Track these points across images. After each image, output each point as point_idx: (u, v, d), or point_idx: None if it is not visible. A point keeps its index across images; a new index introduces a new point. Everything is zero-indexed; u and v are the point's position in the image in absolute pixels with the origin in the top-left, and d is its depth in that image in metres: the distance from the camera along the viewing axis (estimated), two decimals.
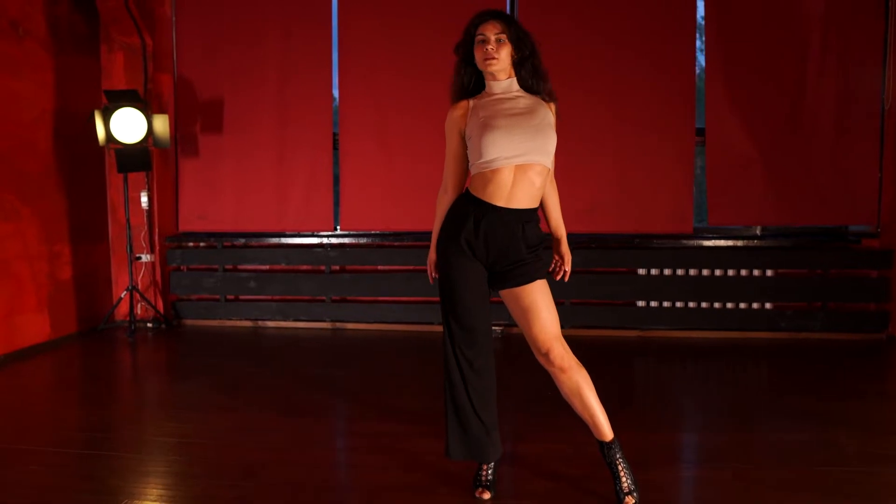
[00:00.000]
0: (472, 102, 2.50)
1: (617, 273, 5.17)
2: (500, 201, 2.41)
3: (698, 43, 5.08)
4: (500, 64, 2.42)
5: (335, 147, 5.43)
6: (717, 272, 5.05)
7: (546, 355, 2.41)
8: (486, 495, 2.51)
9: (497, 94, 2.46)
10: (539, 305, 2.41)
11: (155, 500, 2.49)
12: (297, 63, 5.39)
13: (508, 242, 2.42)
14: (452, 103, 2.55)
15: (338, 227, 5.48)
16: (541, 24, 5.05)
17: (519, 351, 4.49)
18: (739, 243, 5.03)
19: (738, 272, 5.03)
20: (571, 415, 2.49)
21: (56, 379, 4.29)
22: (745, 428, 3.18)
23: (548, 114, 2.46)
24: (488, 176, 2.41)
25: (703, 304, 5.08)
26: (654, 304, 5.12)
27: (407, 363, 4.52)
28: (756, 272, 5.02)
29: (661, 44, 5.01)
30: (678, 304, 5.10)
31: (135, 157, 5.02)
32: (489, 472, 2.56)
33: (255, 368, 4.30)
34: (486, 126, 2.41)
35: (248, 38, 5.44)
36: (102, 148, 5.31)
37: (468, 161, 2.51)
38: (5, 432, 3.17)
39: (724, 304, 5.06)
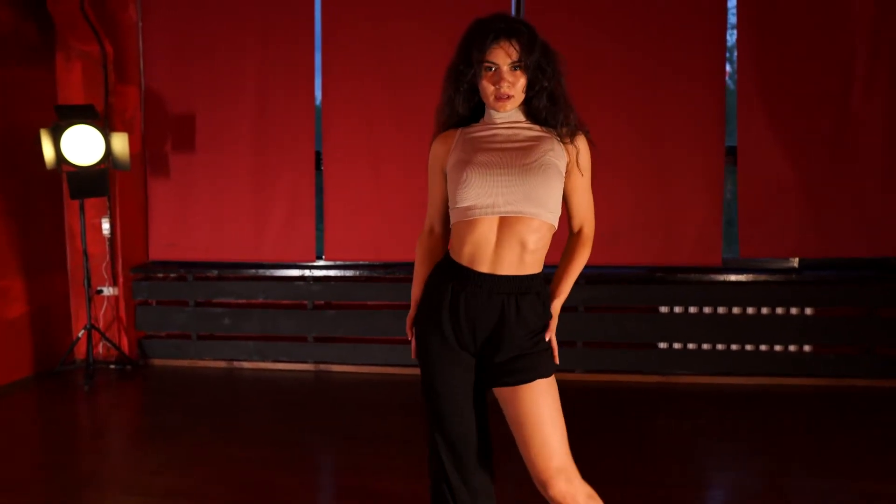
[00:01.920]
0: (459, 132, 1.92)
1: (635, 311, 4.57)
2: (483, 266, 1.82)
3: (729, 46, 4.49)
4: (515, 101, 1.83)
5: (318, 166, 4.86)
6: (750, 310, 4.45)
7: (544, 487, 1.80)
8: None
9: (496, 122, 1.88)
10: (541, 416, 1.80)
11: None
12: (277, 73, 4.80)
13: (497, 323, 1.83)
14: (436, 134, 1.98)
15: (321, 257, 4.92)
16: (547, 25, 4.47)
17: None
18: (774, 278, 4.44)
19: (773, 310, 4.43)
20: None
21: None
22: None
23: (554, 151, 1.83)
24: (464, 229, 1.83)
25: (733, 347, 4.48)
26: (677, 345, 4.52)
27: (395, 420, 3.93)
28: (793, 310, 4.41)
29: (686, 50, 4.40)
30: (704, 347, 4.50)
31: (90, 181, 4.45)
32: None
33: (221, 431, 3.74)
34: (462, 162, 1.84)
35: (224, 45, 4.85)
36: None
37: None
38: None
39: (757, 347, 4.46)
